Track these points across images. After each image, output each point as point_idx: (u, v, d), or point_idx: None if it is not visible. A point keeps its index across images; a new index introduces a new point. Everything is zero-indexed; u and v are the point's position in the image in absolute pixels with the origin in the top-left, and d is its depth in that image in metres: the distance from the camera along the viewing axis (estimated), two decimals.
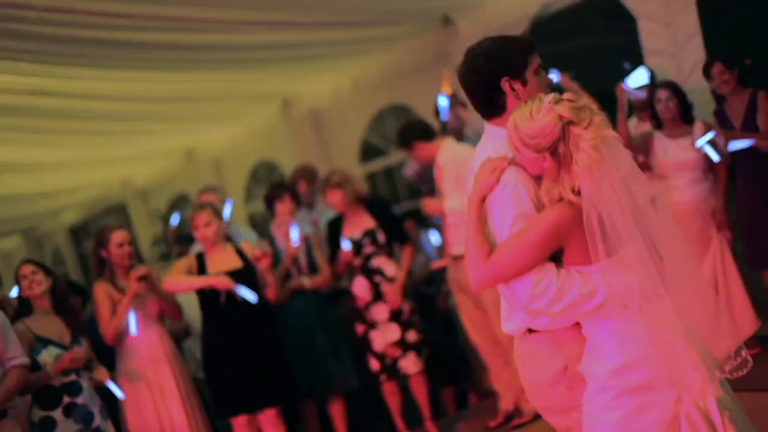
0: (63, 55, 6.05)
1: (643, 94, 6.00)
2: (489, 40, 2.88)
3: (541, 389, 2.87)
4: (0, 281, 14.56)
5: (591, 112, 2.59)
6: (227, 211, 6.31)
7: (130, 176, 11.46)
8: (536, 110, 2.58)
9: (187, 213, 7.18)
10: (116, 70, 6.76)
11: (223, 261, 5.77)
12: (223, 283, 5.58)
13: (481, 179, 2.70)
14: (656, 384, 2.53)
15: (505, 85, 2.80)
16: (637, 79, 5.85)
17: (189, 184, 10.26)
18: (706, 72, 5.69)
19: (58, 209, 12.51)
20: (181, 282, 5.70)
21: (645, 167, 5.96)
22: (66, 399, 4.88)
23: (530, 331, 2.83)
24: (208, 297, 5.69)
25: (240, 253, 5.83)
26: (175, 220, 7.83)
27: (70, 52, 6.04)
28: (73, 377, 4.93)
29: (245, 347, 5.66)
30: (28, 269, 5.07)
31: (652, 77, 5.96)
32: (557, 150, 2.58)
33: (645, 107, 6.16)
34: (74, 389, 4.93)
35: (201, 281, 5.66)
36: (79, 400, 4.92)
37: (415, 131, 6.07)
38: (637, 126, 6.11)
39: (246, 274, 5.72)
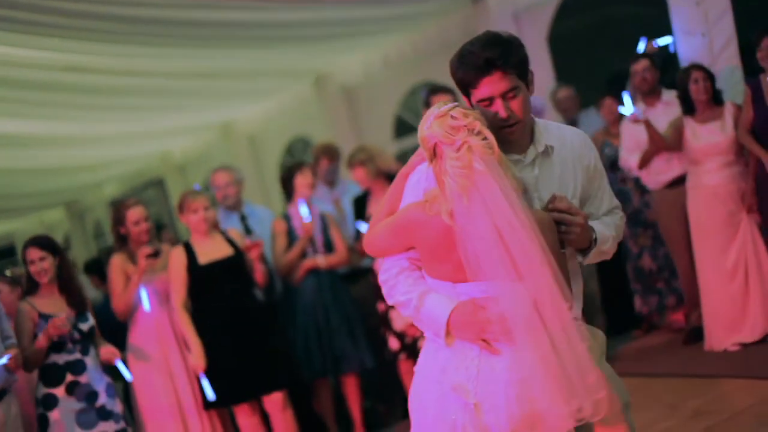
0: (98, 31, 6.08)
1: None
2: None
3: None
4: None
5: (470, 133, 2.38)
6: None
7: (168, 151, 11.50)
8: (425, 120, 2.48)
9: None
10: (153, 47, 6.82)
11: (213, 250, 5.66)
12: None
13: (412, 158, 2.70)
14: None
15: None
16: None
17: (225, 160, 10.13)
18: (758, 40, 5.47)
19: (99, 182, 12.58)
20: None
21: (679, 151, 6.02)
22: (69, 377, 4.85)
23: None
24: (200, 286, 5.58)
25: (230, 241, 5.74)
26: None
27: (105, 28, 6.07)
28: (77, 356, 4.90)
29: (241, 335, 5.53)
30: (35, 254, 4.89)
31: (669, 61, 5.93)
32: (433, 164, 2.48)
33: (653, 91, 6.18)
34: (77, 367, 4.89)
35: None
36: (83, 378, 4.88)
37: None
38: (645, 111, 6.03)
39: (237, 262, 5.66)
